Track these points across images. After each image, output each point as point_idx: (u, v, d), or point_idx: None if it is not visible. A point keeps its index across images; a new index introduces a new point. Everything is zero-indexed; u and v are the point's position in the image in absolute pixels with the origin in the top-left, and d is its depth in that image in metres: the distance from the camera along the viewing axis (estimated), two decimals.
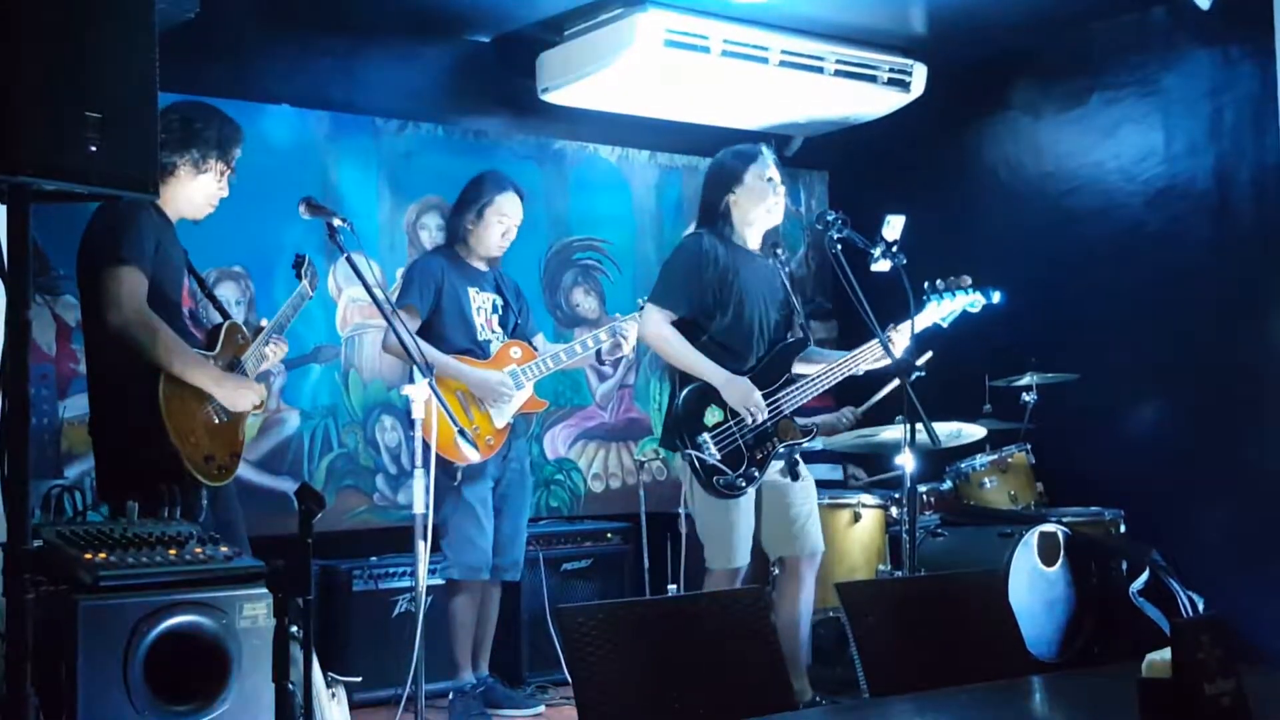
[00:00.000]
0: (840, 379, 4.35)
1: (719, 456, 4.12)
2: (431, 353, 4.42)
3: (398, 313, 4.09)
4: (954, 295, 4.33)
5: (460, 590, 4.57)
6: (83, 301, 3.71)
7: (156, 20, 2.63)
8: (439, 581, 4.82)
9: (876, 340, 4.20)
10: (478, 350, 4.64)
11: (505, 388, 4.57)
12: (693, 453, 4.11)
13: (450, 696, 4.61)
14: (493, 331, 4.72)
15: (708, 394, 4.16)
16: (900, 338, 4.25)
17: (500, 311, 4.77)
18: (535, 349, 4.77)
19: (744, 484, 4.14)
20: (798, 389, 4.26)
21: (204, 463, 3.60)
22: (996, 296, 4.42)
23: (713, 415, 4.15)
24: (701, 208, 4.42)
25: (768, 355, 4.30)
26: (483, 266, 4.77)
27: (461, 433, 3.88)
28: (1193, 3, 5.01)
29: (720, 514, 4.15)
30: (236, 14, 4.89)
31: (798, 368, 4.32)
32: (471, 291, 4.68)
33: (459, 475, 4.47)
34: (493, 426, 4.58)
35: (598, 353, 4.71)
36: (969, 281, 4.35)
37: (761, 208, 4.33)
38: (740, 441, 4.15)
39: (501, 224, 4.70)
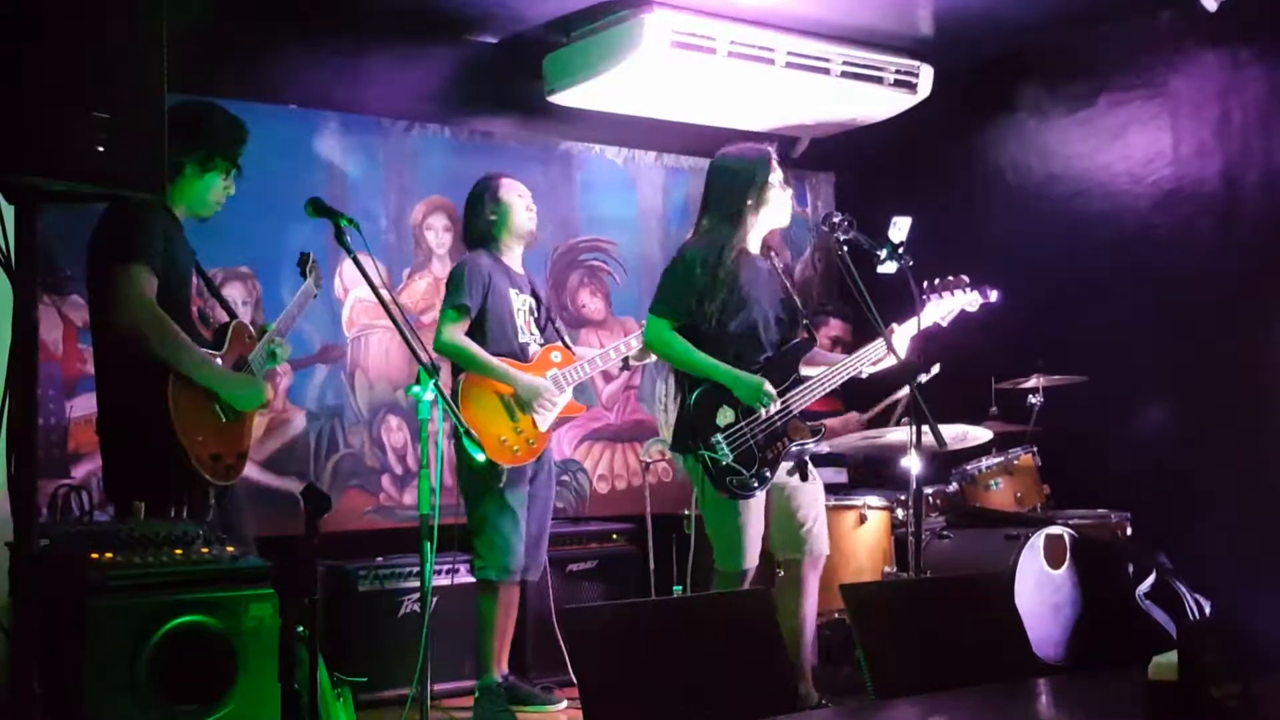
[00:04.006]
0: (844, 379, 4.35)
1: (732, 457, 4.12)
2: (481, 354, 4.56)
3: (405, 313, 4.10)
4: (952, 294, 4.36)
5: (493, 591, 4.62)
6: (91, 300, 3.71)
7: (164, 20, 2.64)
8: (445, 582, 4.84)
9: (879, 342, 4.24)
10: (519, 353, 4.70)
11: (550, 395, 4.65)
12: (707, 453, 4.10)
13: (476, 695, 4.66)
14: (530, 334, 4.77)
15: (718, 394, 4.16)
16: (901, 339, 4.26)
17: (535, 313, 4.82)
18: (573, 351, 4.81)
19: (756, 484, 4.14)
20: (806, 389, 4.26)
21: (211, 462, 3.60)
22: (994, 295, 4.44)
23: (724, 416, 4.15)
24: (710, 210, 4.36)
25: (776, 356, 4.30)
26: (518, 267, 4.82)
27: (467, 434, 3.89)
28: (1200, 5, 4.99)
29: (730, 515, 4.15)
30: (244, 15, 4.90)
31: (804, 369, 4.31)
32: (512, 293, 4.73)
33: (504, 478, 4.51)
34: (537, 430, 4.65)
35: (625, 358, 4.82)
36: (966, 281, 4.40)
37: (774, 210, 4.33)
38: (752, 441, 4.15)
39: (520, 199, 4.79)
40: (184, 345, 3.56)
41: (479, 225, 4.78)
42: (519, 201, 4.77)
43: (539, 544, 4.79)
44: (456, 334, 4.56)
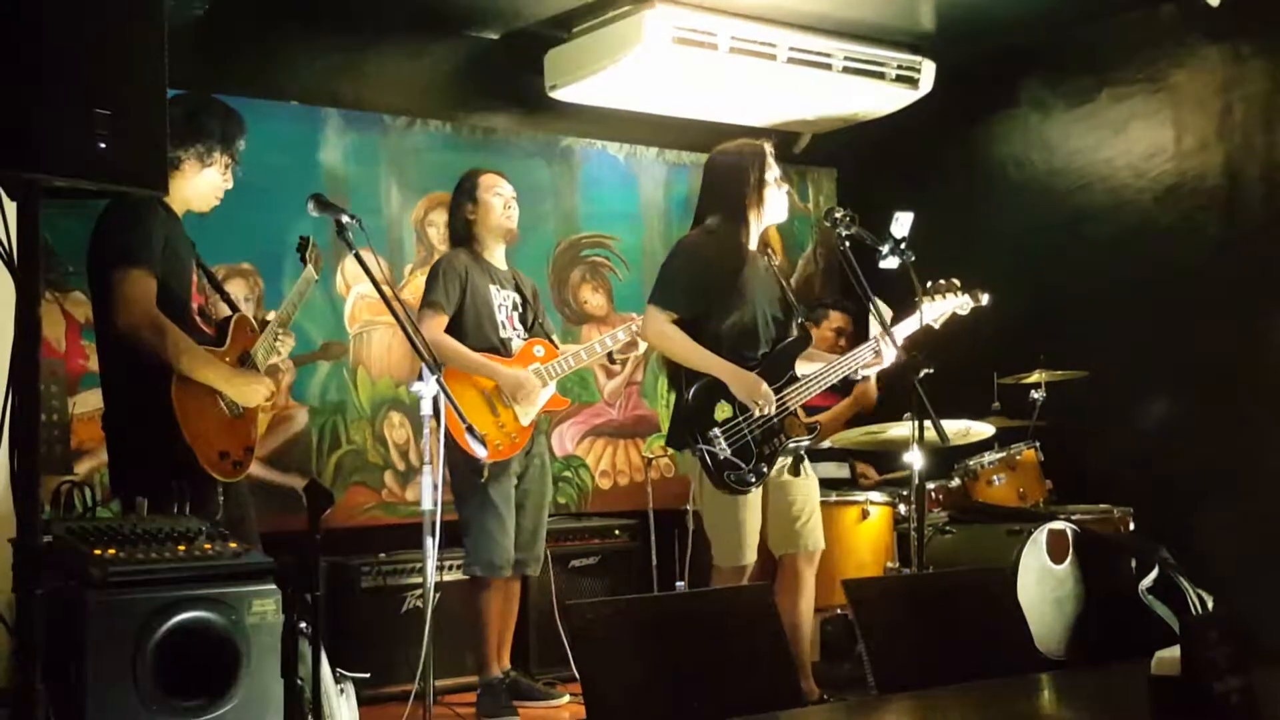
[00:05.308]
0: (839, 377, 4.35)
1: (730, 452, 4.11)
2: (462, 350, 4.56)
3: (407, 309, 4.10)
4: (944, 298, 4.36)
5: (484, 587, 4.64)
6: (94, 301, 3.71)
7: (165, 17, 2.64)
8: (448, 578, 4.85)
9: (873, 342, 4.25)
10: (501, 348, 4.69)
11: (533, 385, 4.62)
12: (704, 448, 4.10)
13: (478, 691, 4.67)
14: (513, 329, 4.76)
15: (716, 390, 4.15)
16: (897, 339, 4.26)
17: (520, 309, 4.81)
18: (557, 346, 4.81)
19: (754, 479, 4.14)
20: (801, 386, 4.25)
21: (219, 459, 3.60)
22: (985, 298, 4.43)
23: (722, 411, 4.15)
24: (708, 207, 4.35)
25: (771, 353, 4.30)
26: (500, 264, 4.81)
27: (470, 430, 3.89)
28: None
29: (728, 511, 4.15)
30: (245, 11, 4.90)
31: (799, 367, 4.31)
32: (493, 289, 4.73)
33: (486, 472, 4.51)
34: (518, 424, 4.64)
35: (611, 353, 4.77)
36: (958, 284, 4.39)
37: (771, 207, 4.33)
38: (749, 437, 4.15)
39: (498, 197, 4.76)
40: (185, 348, 3.56)
41: (458, 223, 4.80)
42: (496, 200, 4.75)
43: (535, 539, 4.77)
44: (434, 330, 4.57)
